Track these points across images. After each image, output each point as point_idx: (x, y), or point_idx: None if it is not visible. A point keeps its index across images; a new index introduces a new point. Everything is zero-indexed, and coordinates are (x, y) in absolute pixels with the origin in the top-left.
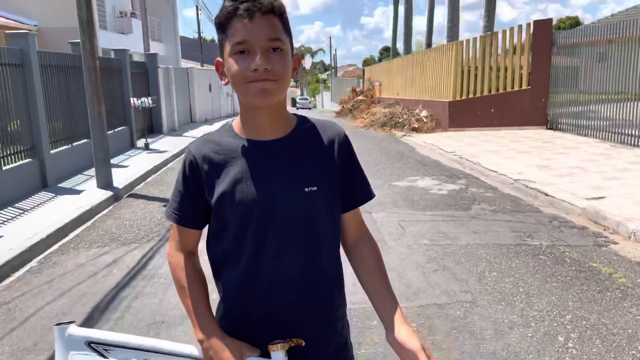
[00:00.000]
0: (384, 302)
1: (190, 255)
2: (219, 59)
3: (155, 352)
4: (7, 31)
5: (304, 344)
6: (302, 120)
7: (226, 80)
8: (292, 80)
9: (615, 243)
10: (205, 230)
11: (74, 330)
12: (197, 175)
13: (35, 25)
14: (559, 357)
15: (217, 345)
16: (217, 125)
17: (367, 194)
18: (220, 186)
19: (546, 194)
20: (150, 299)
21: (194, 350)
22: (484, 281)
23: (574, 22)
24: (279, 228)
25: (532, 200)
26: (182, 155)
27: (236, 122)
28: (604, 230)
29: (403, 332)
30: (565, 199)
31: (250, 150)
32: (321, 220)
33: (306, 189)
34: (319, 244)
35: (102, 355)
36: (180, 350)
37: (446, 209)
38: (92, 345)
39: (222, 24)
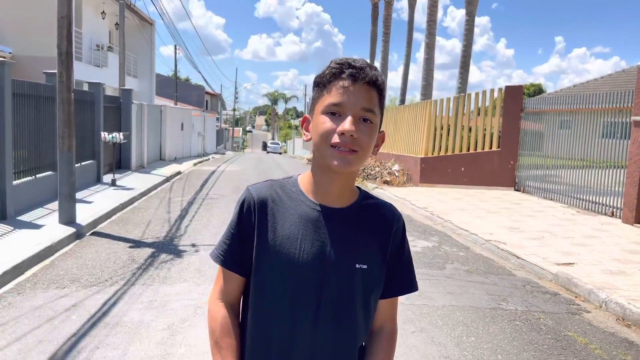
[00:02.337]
0: None
1: (232, 308)
2: (307, 115)
3: None
4: None
5: None
6: (366, 195)
7: (309, 136)
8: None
9: (588, 311)
10: None
11: None
12: (251, 218)
13: (10, 53)
14: None
15: None
16: (185, 165)
17: (409, 286)
18: (273, 236)
19: (517, 257)
20: (112, 350)
21: None
22: (462, 346)
23: (538, 89)
24: (321, 297)
25: (504, 263)
26: (241, 194)
27: (302, 178)
28: (576, 297)
29: None
30: (536, 263)
31: (311, 211)
32: (362, 298)
33: (357, 266)
34: (354, 321)
35: None
36: None
37: (421, 267)
38: None
39: (323, 82)
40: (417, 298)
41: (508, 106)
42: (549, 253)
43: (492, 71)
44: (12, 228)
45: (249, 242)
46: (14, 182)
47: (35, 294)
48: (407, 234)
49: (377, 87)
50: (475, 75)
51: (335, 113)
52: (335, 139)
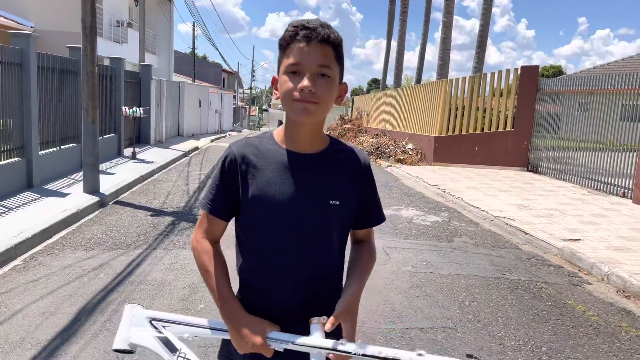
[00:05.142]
0: (350, 283)
1: (215, 244)
2: (275, 76)
3: (203, 328)
4: (8, 30)
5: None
6: (336, 142)
7: (278, 95)
8: (333, 104)
9: (589, 283)
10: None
11: (140, 310)
12: (234, 173)
13: (32, 27)
14: None
15: (242, 323)
16: (203, 141)
17: (379, 218)
18: (255, 186)
19: (525, 233)
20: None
21: None
22: (464, 309)
23: (557, 71)
24: (301, 231)
25: (512, 238)
26: (223, 152)
27: (277, 132)
28: (579, 270)
29: (344, 302)
30: (543, 238)
31: (286, 159)
32: (337, 230)
33: (331, 202)
34: (332, 248)
35: (159, 331)
36: (220, 326)
37: (429, 239)
38: (152, 322)
39: (283, 45)
40: (424, 267)
41: (523, 86)
42: (557, 230)
43: (512, 52)
44: (39, 195)
45: (231, 192)
46: (40, 153)
47: (64, 255)
48: (419, 209)
49: (331, 43)
50: (494, 56)
51: (295, 72)
52: (297, 95)
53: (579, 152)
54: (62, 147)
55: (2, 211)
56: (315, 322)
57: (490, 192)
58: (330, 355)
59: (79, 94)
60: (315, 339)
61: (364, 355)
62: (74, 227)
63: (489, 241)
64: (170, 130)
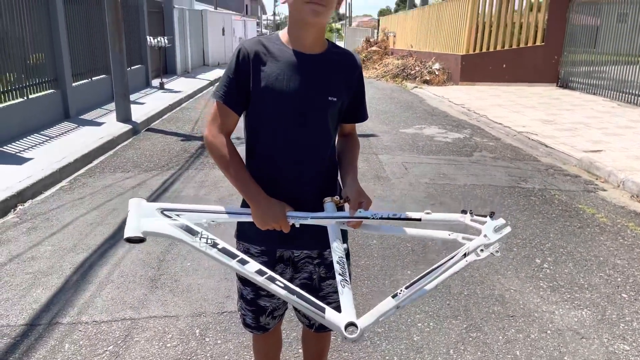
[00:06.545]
0: (347, 171)
1: (229, 136)
2: None
3: (219, 213)
4: None
5: (342, 203)
6: (333, 45)
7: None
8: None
9: (604, 190)
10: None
11: (146, 203)
12: (246, 67)
13: None
14: (533, 275)
15: (263, 203)
16: None
17: (364, 116)
18: (265, 79)
19: (546, 146)
20: None
21: (246, 210)
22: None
23: None
24: (305, 120)
25: (532, 151)
26: (235, 49)
27: (282, 34)
28: (596, 179)
29: (353, 186)
30: (564, 150)
31: (292, 57)
32: (332, 119)
33: (329, 98)
34: (328, 131)
35: (173, 219)
36: (236, 210)
37: (448, 154)
38: (164, 212)
39: None
40: (441, 179)
41: None
42: (579, 142)
43: None
44: (76, 125)
45: (242, 85)
46: (74, 84)
47: (105, 176)
48: (441, 128)
49: None
50: None
51: None
52: None
53: (612, 66)
54: (93, 78)
55: (45, 139)
56: (329, 201)
57: (516, 109)
58: (349, 223)
59: (105, 25)
60: (332, 212)
61: (381, 218)
62: (110, 152)
63: (509, 155)
64: (195, 60)
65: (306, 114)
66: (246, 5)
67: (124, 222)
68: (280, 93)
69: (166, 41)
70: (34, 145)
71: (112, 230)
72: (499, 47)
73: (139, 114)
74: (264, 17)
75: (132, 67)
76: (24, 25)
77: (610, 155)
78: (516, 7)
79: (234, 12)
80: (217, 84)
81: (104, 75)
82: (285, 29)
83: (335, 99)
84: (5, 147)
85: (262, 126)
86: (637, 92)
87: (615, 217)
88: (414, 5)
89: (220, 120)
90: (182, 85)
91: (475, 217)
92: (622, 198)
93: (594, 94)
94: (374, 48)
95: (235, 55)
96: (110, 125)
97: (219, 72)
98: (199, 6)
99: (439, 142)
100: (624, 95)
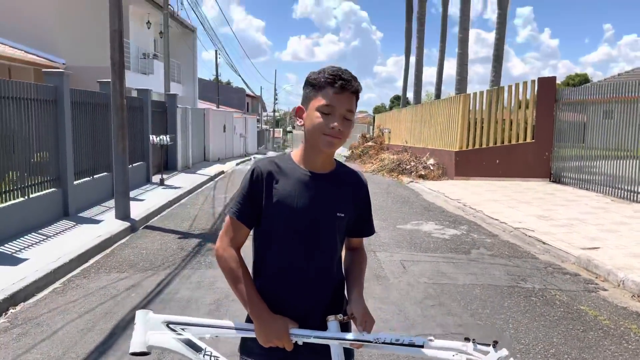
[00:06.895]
0: (353, 286)
1: (239, 252)
2: (301, 106)
3: (223, 328)
4: (43, 69)
5: (346, 320)
6: (341, 165)
7: (302, 122)
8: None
9: (605, 290)
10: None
11: (153, 315)
12: (259, 185)
13: (63, 64)
14: None
15: (267, 320)
16: (228, 165)
17: (371, 230)
18: (277, 195)
19: (543, 242)
20: None
21: (250, 326)
22: (476, 317)
23: (583, 79)
24: (313, 236)
25: (529, 248)
26: (249, 167)
27: (294, 154)
28: (596, 277)
29: (359, 304)
30: (561, 247)
31: (303, 176)
32: (339, 236)
33: (338, 214)
34: (334, 250)
35: (178, 333)
36: (241, 326)
37: (447, 252)
38: (169, 325)
39: (316, 84)
40: (440, 278)
41: (541, 97)
42: (576, 239)
43: (536, 62)
44: (75, 223)
45: (255, 202)
46: (75, 182)
47: (99, 277)
48: (438, 224)
49: (357, 94)
50: (518, 67)
51: (327, 112)
52: (327, 130)
53: (603, 161)
54: (95, 176)
55: (42, 239)
56: (333, 319)
57: (511, 204)
58: (352, 345)
59: (110, 125)
60: (336, 332)
61: (383, 343)
62: (107, 251)
63: (507, 252)
64: (196, 155)
65: (315, 229)
66: (247, 103)
67: (115, 328)
68: (291, 207)
69: (168, 139)
70: (31, 245)
71: (103, 337)
72: (491, 144)
73: (138, 211)
74: (264, 114)
75: (133, 164)
76: (32, 126)
77: (608, 253)
78: (505, 104)
79: (235, 110)
80: (232, 200)
81: (105, 173)
82: (297, 150)
83: (342, 215)
84: (2, 246)
85: (272, 241)
86: (629, 188)
87: (618, 319)
88: (408, 103)
89: (232, 234)
90: (182, 181)
91: (479, 347)
92: (624, 298)
93: (587, 189)
94: (370, 143)
95: (250, 173)
96: (108, 223)
97: (218, 167)
98: (202, 105)
99: (437, 238)
100: (617, 190)
